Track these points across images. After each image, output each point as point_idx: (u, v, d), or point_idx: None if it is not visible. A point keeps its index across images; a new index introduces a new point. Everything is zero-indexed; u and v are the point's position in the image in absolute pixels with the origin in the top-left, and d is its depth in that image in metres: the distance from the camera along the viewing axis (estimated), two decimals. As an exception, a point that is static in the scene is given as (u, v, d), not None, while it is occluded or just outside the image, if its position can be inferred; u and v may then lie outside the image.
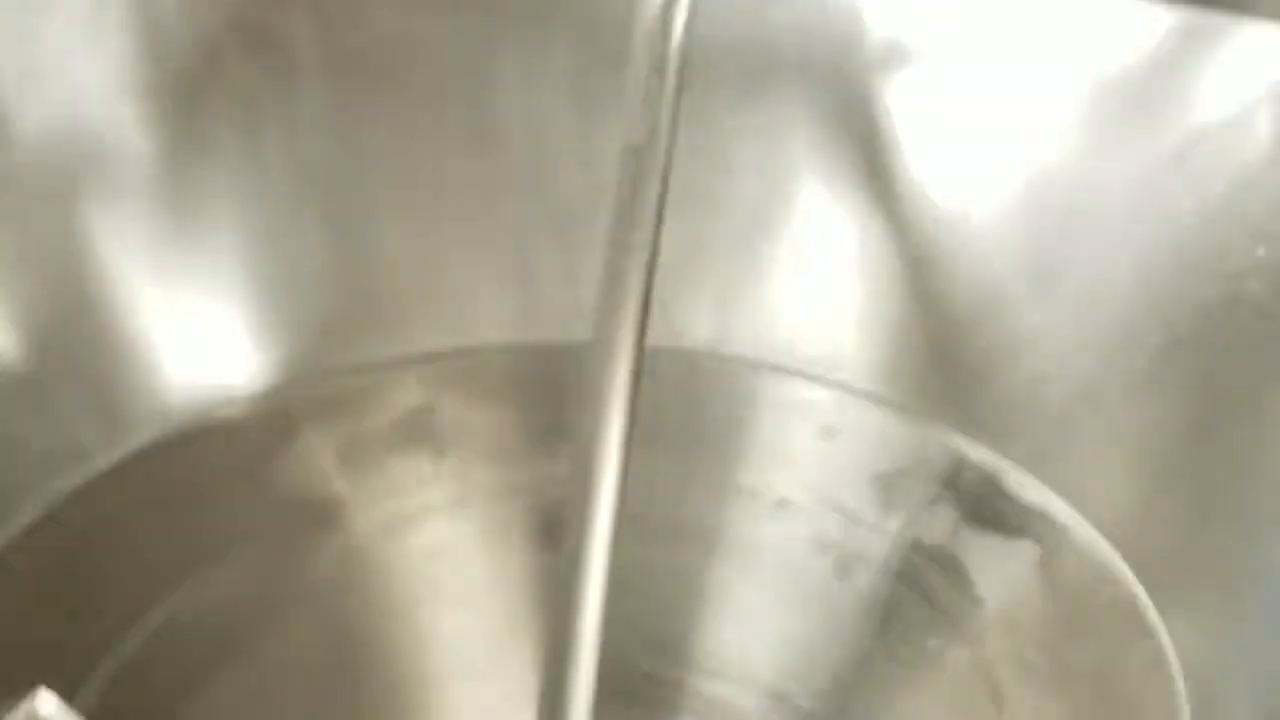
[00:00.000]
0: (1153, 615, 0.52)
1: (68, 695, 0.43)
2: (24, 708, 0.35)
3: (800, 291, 0.66)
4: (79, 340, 0.54)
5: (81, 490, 0.53)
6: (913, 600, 0.63)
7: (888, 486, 0.65)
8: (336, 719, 0.64)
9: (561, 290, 0.69)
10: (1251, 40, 0.56)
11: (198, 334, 0.59)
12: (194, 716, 0.55)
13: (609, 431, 0.47)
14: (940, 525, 0.63)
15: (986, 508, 0.61)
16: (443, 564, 0.66)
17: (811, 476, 0.67)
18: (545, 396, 0.70)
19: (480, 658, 0.68)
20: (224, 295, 0.60)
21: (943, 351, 0.62)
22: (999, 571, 0.60)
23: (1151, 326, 0.55)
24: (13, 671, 0.40)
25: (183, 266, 0.58)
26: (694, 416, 0.69)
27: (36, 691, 0.36)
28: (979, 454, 0.62)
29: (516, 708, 0.69)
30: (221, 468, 0.60)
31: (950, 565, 0.62)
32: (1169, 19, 0.58)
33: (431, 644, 0.67)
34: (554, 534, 0.67)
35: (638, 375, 0.47)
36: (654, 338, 0.50)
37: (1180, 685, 0.49)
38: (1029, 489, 0.59)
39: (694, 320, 0.68)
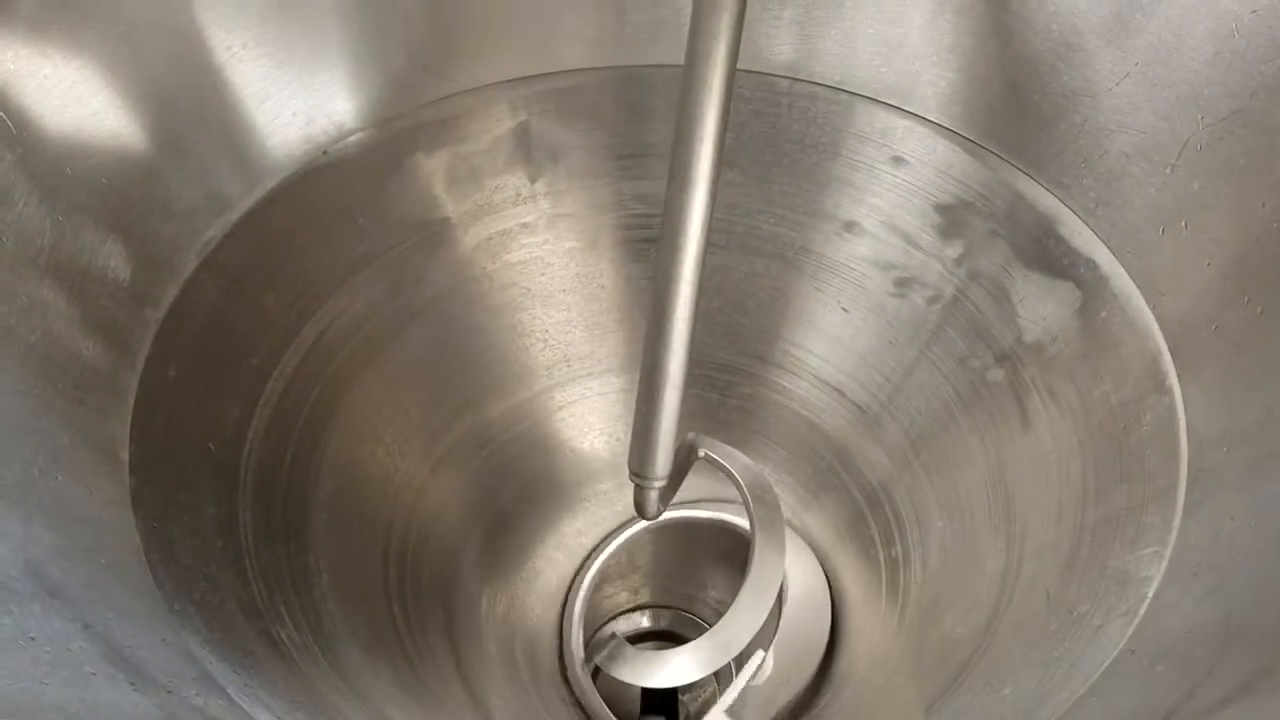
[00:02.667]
0: (1172, 376, 0.62)
1: (246, 411, 0.60)
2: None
3: (881, 21, 0.70)
4: (204, 106, 0.64)
5: (228, 237, 0.65)
6: (960, 322, 0.74)
7: (949, 217, 0.73)
8: (455, 405, 0.80)
9: (645, 12, 0.73)
10: None
11: (305, 82, 0.67)
12: (346, 411, 0.71)
13: (703, 147, 0.56)
14: (993, 258, 0.72)
15: (1038, 247, 0.70)
16: (539, 274, 0.79)
17: (879, 202, 0.76)
18: (630, 119, 0.78)
19: (576, 348, 0.83)
20: (325, 42, 0.67)
21: (1015, 91, 0.68)
22: (1041, 308, 0.70)
23: (1219, 94, 0.60)
24: (198, 402, 0.57)
25: (285, 23, 0.65)
26: (772, 138, 0.77)
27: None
28: (1037, 195, 0.69)
29: (610, 386, 0.85)
30: (343, 200, 0.72)
31: (998, 296, 0.72)
32: None
33: (531, 340, 0.81)
34: (639, 246, 0.78)
35: (730, 93, 0.55)
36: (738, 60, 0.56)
37: (1184, 446, 0.59)
38: (1079, 235, 0.67)
39: (776, 45, 0.73)
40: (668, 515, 1.02)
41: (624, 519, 1.05)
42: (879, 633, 0.82)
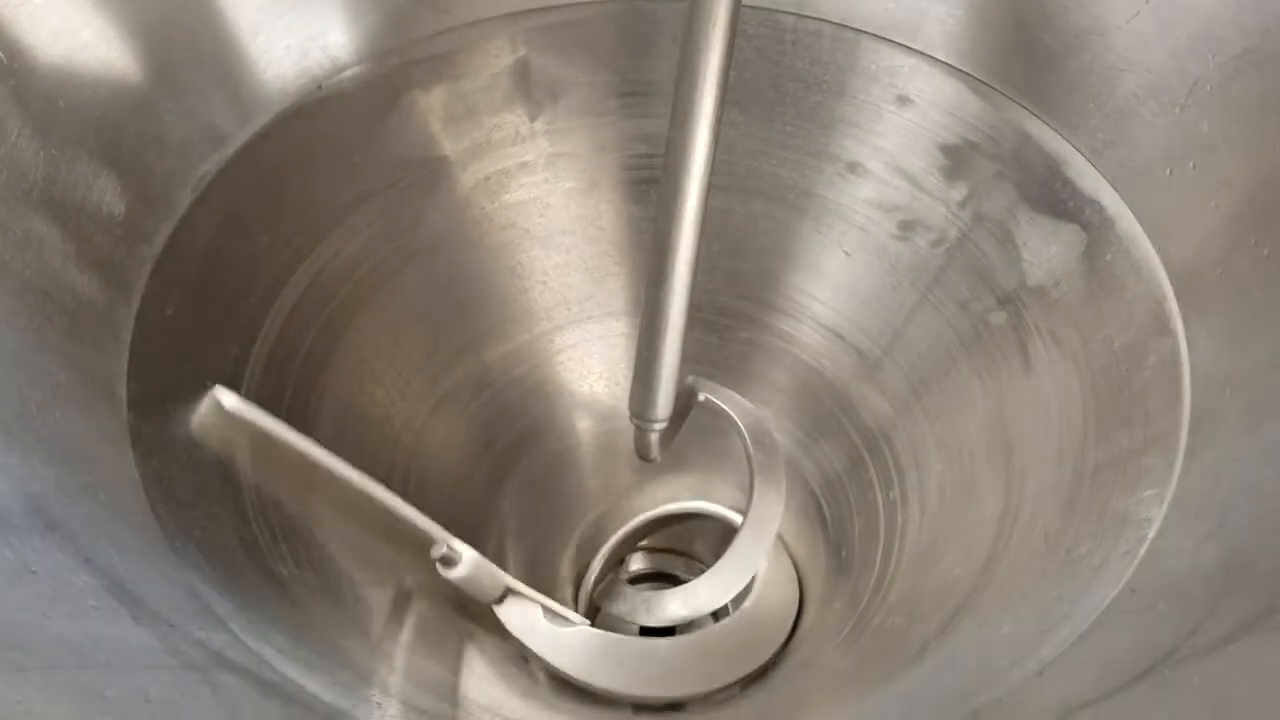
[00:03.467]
0: (1176, 319, 0.61)
1: (243, 350, 0.59)
2: (206, 401, 0.48)
3: (889, -43, 0.68)
4: (197, 37, 0.63)
5: (222, 173, 0.64)
6: (963, 265, 0.73)
7: (954, 158, 0.72)
8: (454, 348, 0.79)
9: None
10: None
11: (300, 14, 0.66)
12: (344, 351, 0.71)
13: (706, 83, 0.55)
14: (998, 200, 0.72)
15: (1044, 189, 0.69)
16: (539, 214, 0.78)
17: (883, 142, 0.75)
18: (632, 55, 0.76)
19: (576, 291, 0.82)
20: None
21: (1024, 30, 0.67)
22: (1045, 250, 0.70)
23: (1231, 32, 0.59)
24: (195, 340, 0.56)
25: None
26: (775, 76, 0.76)
27: (214, 389, 0.49)
28: (1044, 136, 0.68)
29: (610, 329, 0.84)
30: (338, 136, 0.71)
31: (1002, 238, 0.71)
32: None
33: (531, 283, 0.80)
34: (640, 187, 0.78)
35: (734, 28, 0.54)
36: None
37: (1187, 388, 0.59)
38: (1085, 177, 0.67)
39: (781, -20, 0.72)
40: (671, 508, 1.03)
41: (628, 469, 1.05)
42: (877, 574, 0.83)
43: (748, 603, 0.93)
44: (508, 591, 0.73)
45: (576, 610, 0.87)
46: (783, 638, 0.91)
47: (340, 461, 0.61)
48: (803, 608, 0.97)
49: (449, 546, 0.68)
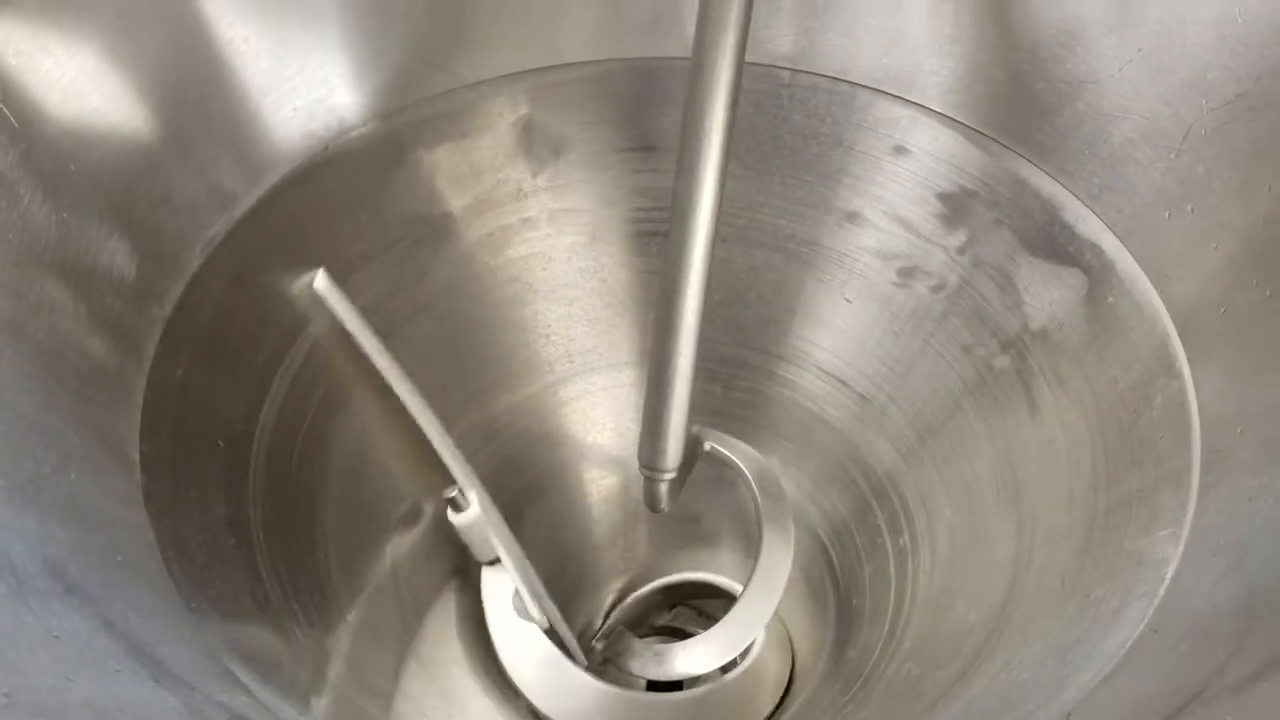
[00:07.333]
0: (1181, 359, 0.62)
1: (253, 408, 0.59)
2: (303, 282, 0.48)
3: (882, 12, 0.70)
4: (206, 100, 0.64)
5: (232, 233, 0.65)
6: (965, 311, 0.74)
7: (952, 206, 0.73)
8: (459, 400, 0.79)
9: (646, 4, 0.73)
10: None
11: (306, 77, 0.67)
12: (351, 406, 0.71)
13: (712, 136, 0.55)
14: (998, 246, 0.72)
15: (1043, 234, 0.70)
16: (541, 268, 0.78)
17: (881, 192, 0.76)
18: (632, 112, 0.77)
19: (579, 343, 0.83)
20: (326, 36, 0.67)
21: (1018, 80, 0.68)
22: (1046, 294, 0.70)
23: (1224, 79, 0.60)
24: (206, 399, 0.56)
25: (286, 17, 0.64)
26: (773, 130, 0.77)
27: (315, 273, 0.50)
28: (1041, 183, 0.69)
29: (614, 380, 0.84)
30: (345, 195, 0.72)
31: (1003, 283, 0.72)
32: None
33: (534, 335, 0.81)
34: (642, 240, 0.78)
35: (738, 83, 0.56)
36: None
37: (1196, 429, 0.59)
38: (1084, 222, 0.68)
39: (777, 36, 0.73)
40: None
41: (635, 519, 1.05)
42: (889, 621, 0.82)
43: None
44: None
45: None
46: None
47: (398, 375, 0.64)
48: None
49: (461, 491, 0.69)
